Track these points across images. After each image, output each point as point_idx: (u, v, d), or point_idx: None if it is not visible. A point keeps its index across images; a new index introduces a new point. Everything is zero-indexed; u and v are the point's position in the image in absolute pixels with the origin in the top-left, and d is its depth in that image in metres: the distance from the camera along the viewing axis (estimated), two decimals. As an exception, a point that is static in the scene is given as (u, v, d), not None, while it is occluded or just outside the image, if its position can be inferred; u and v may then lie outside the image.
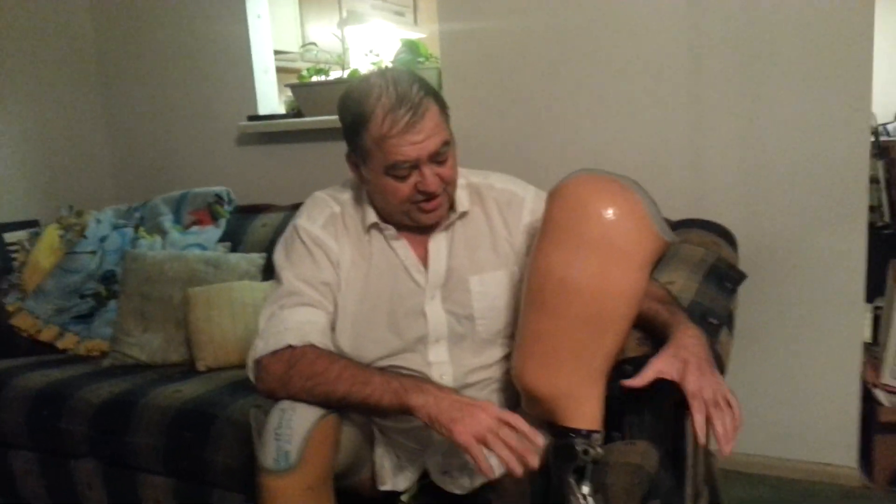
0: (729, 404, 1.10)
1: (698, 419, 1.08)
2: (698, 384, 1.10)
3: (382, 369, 1.22)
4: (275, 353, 1.18)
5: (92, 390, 1.80)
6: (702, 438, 1.08)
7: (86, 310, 2.24)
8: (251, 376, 1.23)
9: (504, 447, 1.04)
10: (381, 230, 1.31)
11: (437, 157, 1.21)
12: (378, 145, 1.18)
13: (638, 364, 1.24)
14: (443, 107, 1.23)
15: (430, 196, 1.23)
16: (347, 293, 1.30)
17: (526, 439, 1.06)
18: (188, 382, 1.81)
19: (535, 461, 1.05)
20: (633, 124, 2.09)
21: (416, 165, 1.20)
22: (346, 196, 1.35)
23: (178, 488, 1.63)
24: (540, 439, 1.08)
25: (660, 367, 1.14)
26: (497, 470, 1.26)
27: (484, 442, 1.04)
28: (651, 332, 1.25)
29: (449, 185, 1.26)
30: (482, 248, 1.33)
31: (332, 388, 1.13)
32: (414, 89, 1.18)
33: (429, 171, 1.20)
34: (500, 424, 1.06)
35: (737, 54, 1.95)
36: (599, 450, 1.17)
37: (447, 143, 1.22)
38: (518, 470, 1.04)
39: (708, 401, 1.09)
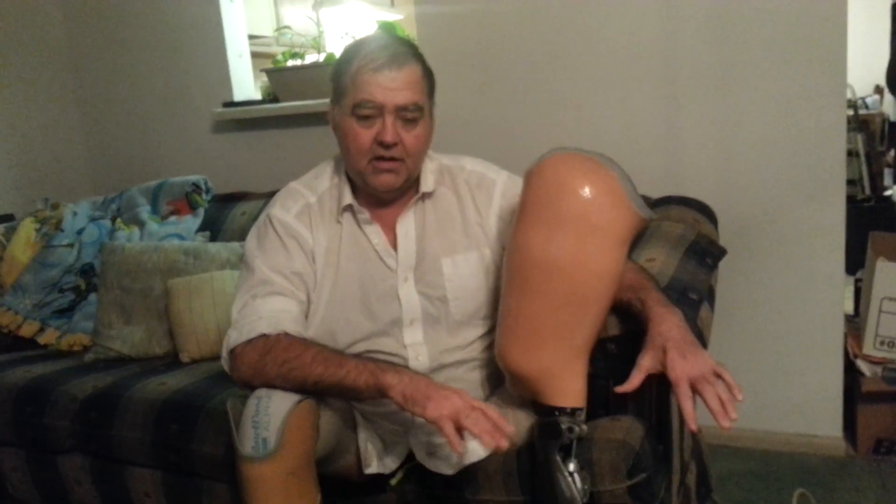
0: (719, 377, 1.10)
1: (686, 406, 1.08)
2: (681, 369, 1.09)
3: (358, 354, 1.23)
4: (249, 341, 1.19)
5: (76, 385, 1.79)
6: (692, 425, 1.09)
7: (65, 304, 2.22)
8: (226, 367, 1.23)
9: (475, 424, 1.06)
10: (355, 213, 1.32)
11: (405, 115, 1.22)
12: (353, 80, 1.22)
13: (620, 342, 1.25)
14: (428, 76, 1.27)
15: (386, 148, 1.22)
16: (323, 280, 1.30)
17: (496, 426, 1.08)
18: (172, 374, 1.80)
19: (504, 443, 1.06)
20: (610, 103, 2.09)
21: (381, 112, 1.21)
22: (322, 184, 1.35)
23: (166, 480, 1.62)
24: (509, 427, 1.09)
25: (645, 364, 1.14)
26: (482, 451, 1.28)
27: (456, 420, 1.06)
28: (628, 322, 1.25)
29: (410, 155, 1.25)
30: (453, 230, 1.34)
31: (307, 372, 1.14)
32: (404, 47, 1.24)
33: (390, 121, 1.22)
34: (472, 409, 1.07)
35: (712, 30, 1.95)
36: (584, 427, 1.18)
37: (419, 108, 1.23)
38: (492, 443, 1.05)
39: (695, 379, 1.09)
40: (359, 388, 1.13)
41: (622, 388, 1.15)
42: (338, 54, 2.51)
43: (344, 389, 1.15)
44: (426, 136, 1.28)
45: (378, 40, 1.25)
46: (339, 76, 1.26)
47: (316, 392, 1.16)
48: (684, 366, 1.10)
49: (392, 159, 1.24)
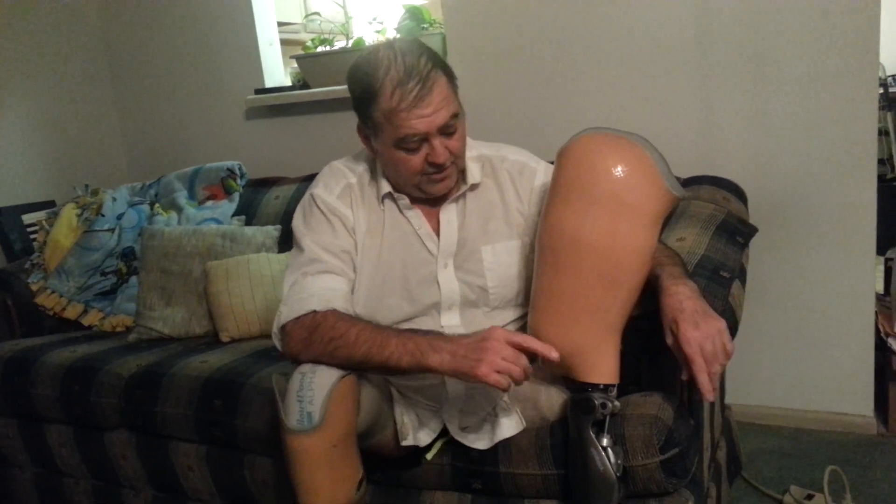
0: (726, 352, 1.11)
1: (702, 380, 1.09)
2: (695, 341, 1.09)
3: (399, 329, 1.24)
4: (298, 318, 1.22)
5: (120, 364, 1.85)
6: (709, 396, 1.10)
7: (108, 286, 2.28)
8: (277, 342, 1.26)
9: (521, 372, 1.11)
10: (395, 200, 1.34)
11: (446, 129, 1.22)
12: (388, 119, 1.20)
13: (651, 319, 1.27)
14: (451, 78, 1.25)
15: (439, 168, 1.24)
16: (363, 261, 1.32)
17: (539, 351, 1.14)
18: (213, 353, 1.85)
19: (555, 354, 1.14)
20: (641, 84, 2.09)
21: (425, 138, 1.21)
22: (362, 167, 1.37)
23: (209, 454, 1.68)
24: (553, 353, 1.14)
25: (669, 342, 1.14)
26: (517, 427, 1.31)
27: (504, 371, 1.10)
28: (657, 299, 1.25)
29: (457, 157, 1.27)
30: (494, 219, 1.36)
31: (352, 351, 1.17)
32: (422, 61, 1.20)
33: (438, 143, 1.22)
34: (510, 350, 1.11)
35: (743, 9, 1.93)
36: (617, 403, 1.20)
37: (456, 116, 1.23)
38: (552, 356, 1.13)
39: (708, 355, 1.09)
40: (402, 368, 1.15)
41: (686, 376, 1.13)
42: (366, 40, 2.55)
43: (389, 370, 1.18)
44: (465, 132, 1.28)
45: (395, 65, 1.18)
46: (366, 109, 1.23)
47: (361, 369, 1.20)
48: (697, 337, 1.09)
49: (445, 169, 1.26)
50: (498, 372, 1.09)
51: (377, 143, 1.27)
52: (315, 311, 1.21)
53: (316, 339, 1.19)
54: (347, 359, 1.17)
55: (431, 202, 1.34)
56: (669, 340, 1.14)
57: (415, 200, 1.34)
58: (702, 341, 1.09)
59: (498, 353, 1.10)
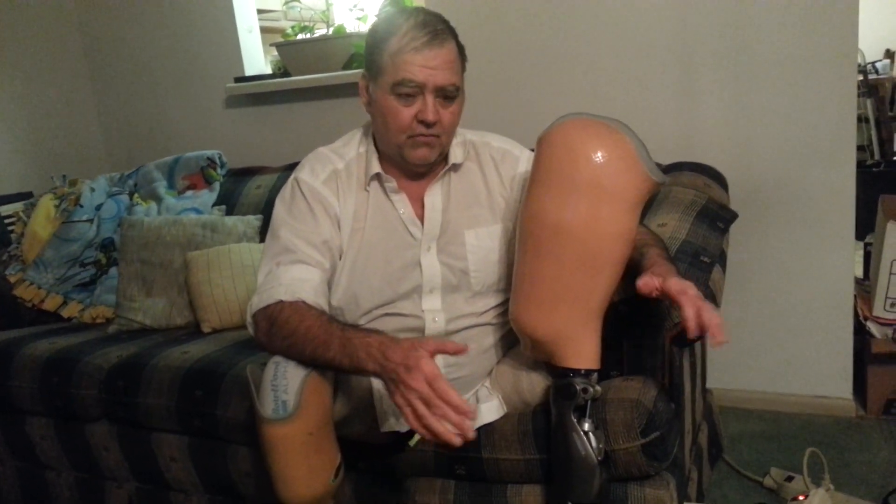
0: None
1: (689, 312, 1.08)
2: (681, 284, 1.11)
3: (347, 326, 1.20)
4: (265, 308, 1.22)
5: (101, 355, 1.83)
6: (693, 329, 1.08)
7: (87, 278, 2.25)
8: (251, 331, 1.26)
9: (432, 420, 1.03)
10: (382, 182, 1.33)
11: (444, 94, 1.24)
12: (392, 60, 1.22)
13: (631, 304, 1.28)
14: (462, 53, 1.28)
15: (427, 126, 1.24)
16: (348, 247, 1.32)
17: (454, 410, 1.03)
18: (195, 343, 1.84)
19: (459, 440, 1.03)
20: (622, 71, 2.09)
21: (421, 91, 1.22)
22: (351, 153, 1.37)
23: (191, 445, 1.67)
24: (471, 410, 1.04)
25: (645, 279, 1.15)
26: (497, 412, 1.31)
27: (413, 409, 1.03)
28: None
29: (445, 131, 1.28)
30: (478, 204, 1.36)
31: (302, 349, 1.16)
32: (441, 25, 1.24)
33: (431, 100, 1.23)
34: (432, 395, 1.02)
35: (724, -6, 1.94)
36: (598, 387, 1.21)
37: (457, 88, 1.25)
38: (454, 439, 1.03)
39: (695, 296, 1.10)
40: (345, 370, 1.15)
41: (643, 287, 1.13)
42: (347, 27, 2.53)
43: (334, 370, 1.17)
44: (460, 112, 1.30)
45: (415, 17, 1.24)
46: (375, 52, 1.26)
47: (317, 366, 1.18)
48: (684, 283, 1.11)
49: (430, 135, 1.26)
50: (414, 411, 1.03)
51: (374, 90, 1.27)
52: (281, 301, 1.20)
53: (275, 332, 1.19)
54: (300, 356, 1.17)
55: (415, 182, 1.34)
56: (648, 283, 1.14)
57: (401, 180, 1.34)
58: (686, 285, 1.11)
59: (417, 389, 1.02)
